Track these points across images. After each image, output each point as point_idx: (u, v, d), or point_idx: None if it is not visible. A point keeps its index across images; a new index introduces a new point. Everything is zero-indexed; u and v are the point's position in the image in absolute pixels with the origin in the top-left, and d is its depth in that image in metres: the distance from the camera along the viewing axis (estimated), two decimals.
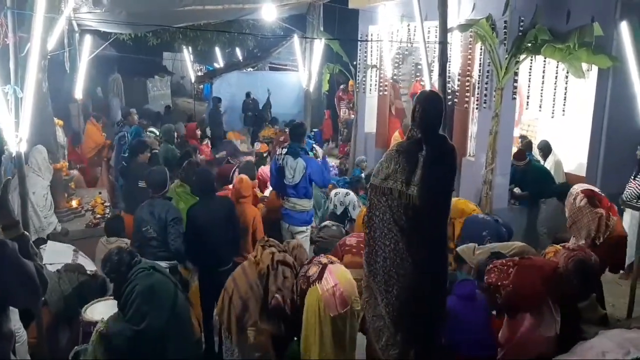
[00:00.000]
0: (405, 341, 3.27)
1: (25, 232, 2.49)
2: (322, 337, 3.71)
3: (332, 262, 3.97)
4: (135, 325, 3.38)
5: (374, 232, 3.30)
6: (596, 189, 5.23)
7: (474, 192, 7.35)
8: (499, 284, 3.89)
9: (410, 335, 3.27)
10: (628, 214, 5.75)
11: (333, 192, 6.69)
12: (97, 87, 14.58)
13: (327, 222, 5.92)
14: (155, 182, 4.97)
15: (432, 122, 3.20)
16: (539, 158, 7.42)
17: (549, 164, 7.18)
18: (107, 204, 7.42)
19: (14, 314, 3.32)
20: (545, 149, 7.20)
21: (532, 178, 6.80)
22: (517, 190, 6.81)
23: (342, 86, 12.80)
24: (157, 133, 9.46)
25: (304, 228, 5.84)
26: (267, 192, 6.86)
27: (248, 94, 14.20)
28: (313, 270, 3.88)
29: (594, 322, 4.06)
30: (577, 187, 5.23)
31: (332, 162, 8.33)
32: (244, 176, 5.73)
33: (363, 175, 8.44)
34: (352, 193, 6.65)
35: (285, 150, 5.84)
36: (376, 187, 3.26)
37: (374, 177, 3.31)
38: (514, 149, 7.30)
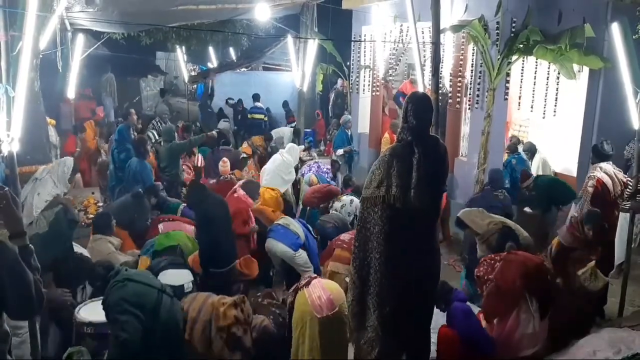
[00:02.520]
0: (399, 351, 3.26)
1: (30, 245, 2.50)
2: (311, 340, 3.70)
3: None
4: (117, 336, 3.36)
5: (365, 245, 3.25)
6: (610, 183, 5.17)
7: (466, 192, 7.39)
8: (485, 277, 4.06)
9: (403, 345, 3.26)
10: (621, 217, 5.77)
11: (338, 205, 6.41)
12: (86, 87, 14.46)
13: (333, 213, 6.06)
14: None
15: (424, 124, 3.20)
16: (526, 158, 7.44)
17: (535, 164, 7.22)
18: (100, 204, 7.40)
19: None
20: (530, 151, 7.25)
21: (540, 195, 6.51)
22: (528, 209, 6.69)
23: (334, 120, 12.78)
24: (153, 138, 9.35)
25: (292, 253, 5.35)
26: None
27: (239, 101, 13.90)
28: (302, 283, 3.93)
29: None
30: (601, 170, 5.20)
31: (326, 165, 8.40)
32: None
33: (349, 132, 9.51)
34: (355, 199, 6.36)
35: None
36: (367, 199, 3.21)
37: (365, 190, 3.26)
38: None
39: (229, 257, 5.04)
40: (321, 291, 3.75)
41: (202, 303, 3.92)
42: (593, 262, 4.06)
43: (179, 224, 5.74)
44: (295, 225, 5.51)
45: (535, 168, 7.18)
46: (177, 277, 4.39)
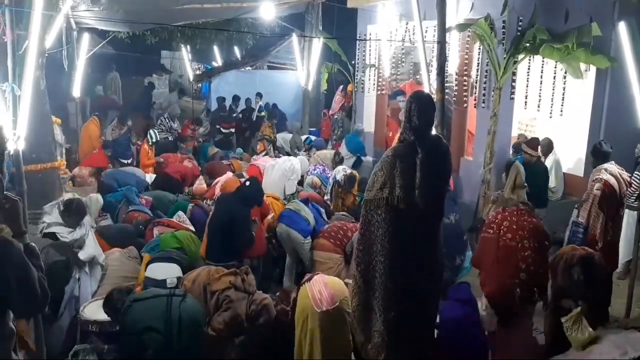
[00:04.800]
0: (406, 356, 3.24)
1: (32, 243, 2.54)
2: (311, 335, 3.69)
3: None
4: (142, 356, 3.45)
5: (369, 249, 3.22)
6: (616, 184, 5.10)
7: (472, 191, 7.37)
8: (486, 227, 4.17)
9: (410, 348, 3.24)
10: (625, 214, 5.75)
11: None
12: (97, 86, 14.53)
13: (338, 214, 6.09)
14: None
15: (426, 124, 3.18)
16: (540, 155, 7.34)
17: (548, 163, 7.10)
18: None
19: None
20: (546, 147, 7.14)
21: (536, 174, 6.45)
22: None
23: (341, 87, 12.74)
24: (155, 137, 9.35)
25: (302, 239, 5.31)
26: None
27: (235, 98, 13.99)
28: (304, 279, 3.92)
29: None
30: (607, 172, 5.10)
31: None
32: (228, 180, 5.86)
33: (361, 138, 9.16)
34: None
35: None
36: (370, 201, 3.19)
37: (367, 192, 3.24)
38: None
39: (226, 253, 5.02)
40: (322, 286, 3.72)
41: (198, 273, 4.01)
42: (579, 309, 3.70)
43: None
44: (305, 211, 5.51)
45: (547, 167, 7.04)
46: (162, 271, 4.20)
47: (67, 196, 5.85)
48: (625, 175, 5.26)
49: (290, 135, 10.97)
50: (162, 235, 5.20)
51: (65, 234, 4.45)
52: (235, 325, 3.76)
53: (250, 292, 3.92)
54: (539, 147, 6.85)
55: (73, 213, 4.54)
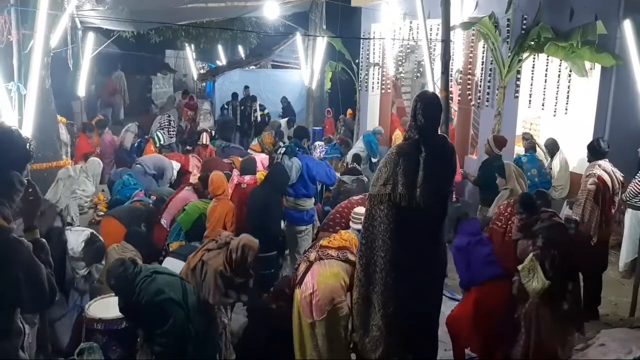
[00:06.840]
0: (403, 350, 3.24)
1: (42, 239, 2.56)
2: (301, 340, 3.64)
3: (321, 259, 3.72)
4: (160, 330, 3.37)
5: (371, 243, 3.23)
6: (609, 180, 5.10)
7: (475, 190, 7.35)
8: (495, 219, 4.28)
9: (408, 344, 3.24)
10: (628, 213, 5.73)
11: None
12: (91, 85, 14.54)
13: (344, 177, 6.05)
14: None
15: (432, 123, 3.18)
16: (545, 156, 7.25)
17: (556, 164, 6.92)
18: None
19: None
20: (551, 147, 7.00)
21: (490, 169, 5.91)
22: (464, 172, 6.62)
23: (341, 116, 12.65)
24: (162, 139, 9.35)
25: (302, 227, 5.65)
26: None
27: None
28: (301, 269, 3.77)
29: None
30: (600, 167, 5.12)
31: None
32: (214, 175, 5.79)
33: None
34: None
35: (283, 149, 5.80)
36: (374, 196, 3.20)
37: (372, 187, 3.25)
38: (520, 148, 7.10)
39: (268, 244, 5.01)
40: (311, 295, 3.57)
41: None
42: (532, 255, 3.69)
43: (176, 203, 5.64)
44: (297, 202, 5.62)
45: (555, 169, 6.81)
46: (172, 267, 4.17)
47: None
48: (618, 173, 5.25)
49: (284, 120, 11.00)
50: (180, 216, 5.37)
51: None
52: (221, 284, 3.68)
53: (224, 244, 3.82)
54: (503, 147, 6.30)
55: (91, 253, 4.43)
